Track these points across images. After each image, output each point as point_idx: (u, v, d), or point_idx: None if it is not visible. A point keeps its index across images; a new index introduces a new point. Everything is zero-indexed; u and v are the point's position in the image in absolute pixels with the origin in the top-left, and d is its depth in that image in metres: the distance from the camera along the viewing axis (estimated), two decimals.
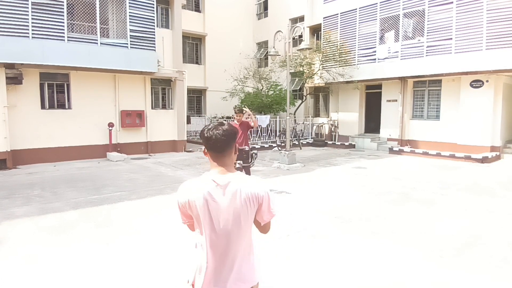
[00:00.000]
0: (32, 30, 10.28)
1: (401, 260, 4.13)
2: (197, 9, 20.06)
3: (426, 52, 13.56)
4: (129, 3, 11.92)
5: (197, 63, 20.54)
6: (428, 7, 13.36)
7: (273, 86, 18.32)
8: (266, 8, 22.31)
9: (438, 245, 4.58)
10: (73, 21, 11.24)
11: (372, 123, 16.85)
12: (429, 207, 6.44)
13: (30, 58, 10.29)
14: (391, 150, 14.41)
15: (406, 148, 14.19)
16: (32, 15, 10.23)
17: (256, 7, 23.08)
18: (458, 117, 13.30)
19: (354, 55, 15.92)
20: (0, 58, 9.83)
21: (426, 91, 14.65)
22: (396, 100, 15.28)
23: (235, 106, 7.60)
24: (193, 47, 20.43)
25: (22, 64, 10.36)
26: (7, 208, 6.24)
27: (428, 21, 13.41)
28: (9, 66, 10.23)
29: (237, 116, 7.13)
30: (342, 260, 4.12)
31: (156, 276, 3.77)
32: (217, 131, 1.76)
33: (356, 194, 7.44)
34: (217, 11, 20.54)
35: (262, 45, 22.39)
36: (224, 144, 1.77)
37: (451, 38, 12.77)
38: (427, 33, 13.47)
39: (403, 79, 14.73)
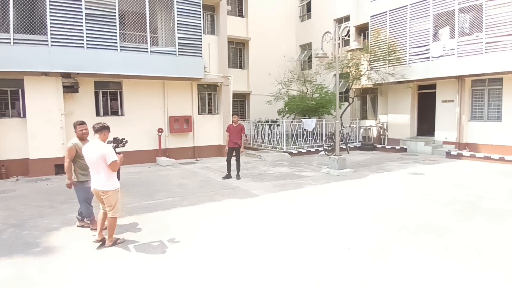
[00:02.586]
0: (87, 40, 10.72)
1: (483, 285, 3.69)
2: (240, 14, 20.12)
3: (485, 49, 12.55)
4: (177, 11, 12.14)
5: (240, 67, 20.57)
6: (486, 1, 12.39)
7: (318, 89, 17.90)
8: (309, 10, 21.94)
9: None
10: (125, 31, 11.63)
11: (425, 125, 15.91)
12: (504, 219, 5.82)
13: (86, 68, 10.76)
14: (448, 154, 13.48)
15: (465, 152, 13.22)
16: (86, 26, 10.68)
17: (298, 9, 22.79)
18: None
19: (405, 53, 15.15)
20: (57, 68, 10.34)
21: (485, 90, 13.58)
22: (452, 101, 14.31)
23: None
24: (237, 52, 20.51)
25: (78, 73, 10.87)
26: (66, 214, 6.44)
27: (486, 16, 12.42)
28: (65, 75, 10.77)
29: (233, 118, 9.74)
30: (412, 283, 3.75)
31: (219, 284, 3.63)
32: (96, 125, 4.84)
33: (417, 203, 6.94)
34: (259, 16, 20.48)
35: (306, 47, 22.03)
36: (96, 130, 4.81)
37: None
38: (486, 28, 12.47)
39: (460, 78, 13.77)
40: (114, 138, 5.08)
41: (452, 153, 13.43)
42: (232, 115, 10.06)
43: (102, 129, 4.82)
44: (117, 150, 4.96)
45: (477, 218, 5.90)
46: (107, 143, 4.91)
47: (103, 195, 4.75)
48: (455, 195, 7.46)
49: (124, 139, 5.18)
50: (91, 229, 5.51)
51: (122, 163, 4.88)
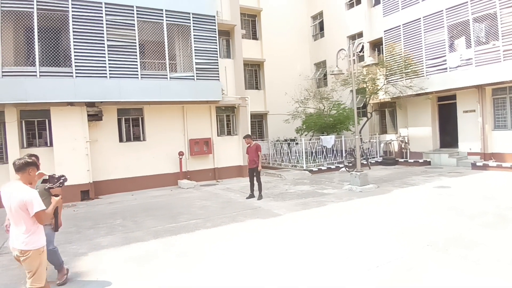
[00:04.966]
0: (109, 70, 11.17)
1: None
2: (254, 37, 20.59)
3: (504, 57, 12.34)
4: (194, 38, 12.55)
5: (257, 88, 20.87)
6: (500, 9, 12.27)
7: (335, 105, 17.90)
8: (322, 29, 22.21)
9: None
10: (145, 59, 12.09)
11: (447, 137, 15.59)
12: None
13: (109, 96, 11.16)
14: (474, 166, 13.11)
15: (491, 163, 12.82)
16: (108, 57, 11.14)
17: (311, 28, 23.11)
18: None
19: (422, 65, 15.05)
20: (82, 98, 10.76)
21: (507, 98, 13.29)
22: (474, 111, 14.03)
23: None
24: (253, 73, 20.86)
25: (101, 102, 11.27)
26: (93, 239, 6.57)
27: (501, 24, 12.28)
28: (90, 104, 11.20)
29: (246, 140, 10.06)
30: None
31: None
32: (18, 160, 3.42)
33: (445, 217, 6.74)
34: (273, 37, 20.87)
35: (320, 65, 22.20)
36: (17, 169, 3.39)
37: None
38: (502, 36, 12.30)
39: (480, 87, 13.53)
40: (49, 176, 3.94)
41: (477, 164, 13.05)
42: (245, 137, 10.24)
43: (25, 167, 3.41)
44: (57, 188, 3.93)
45: (508, 230, 5.68)
46: (42, 182, 3.91)
47: (21, 256, 3.36)
48: (484, 208, 7.22)
49: (63, 176, 4.00)
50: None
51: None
